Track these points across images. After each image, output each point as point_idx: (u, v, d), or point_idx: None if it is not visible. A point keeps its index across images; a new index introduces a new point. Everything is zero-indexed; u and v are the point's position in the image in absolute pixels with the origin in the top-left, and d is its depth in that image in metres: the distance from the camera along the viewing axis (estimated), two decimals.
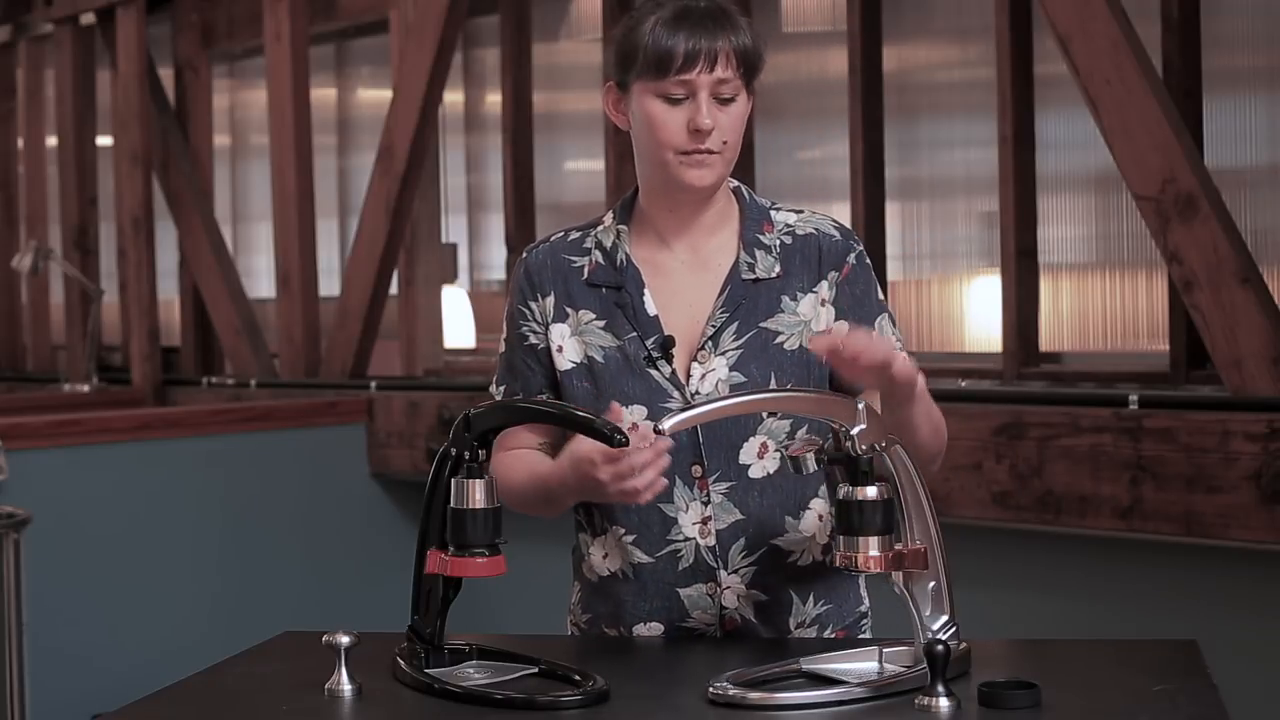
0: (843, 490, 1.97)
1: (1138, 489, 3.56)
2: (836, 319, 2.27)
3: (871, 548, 1.96)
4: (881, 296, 2.32)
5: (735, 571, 2.26)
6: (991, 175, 4.13)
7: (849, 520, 1.97)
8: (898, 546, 1.98)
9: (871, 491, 1.96)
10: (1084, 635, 3.23)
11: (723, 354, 2.25)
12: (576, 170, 5.35)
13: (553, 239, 2.36)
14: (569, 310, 2.30)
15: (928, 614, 2.01)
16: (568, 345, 2.30)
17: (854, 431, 1.97)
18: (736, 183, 2.34)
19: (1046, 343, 4.12)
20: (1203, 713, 1.86)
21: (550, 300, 2.31)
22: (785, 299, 2.26)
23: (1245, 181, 3.79)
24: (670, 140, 2.20)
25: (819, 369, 2.26)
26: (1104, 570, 3.81)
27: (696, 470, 2.24)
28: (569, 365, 2.29)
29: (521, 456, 2.29)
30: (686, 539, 2.25)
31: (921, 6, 4.41)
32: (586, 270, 2.31)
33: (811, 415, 2.20)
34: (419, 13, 5.11)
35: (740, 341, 2.25)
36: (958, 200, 4.38)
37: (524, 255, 2.37)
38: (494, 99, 5.42)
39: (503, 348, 2.37)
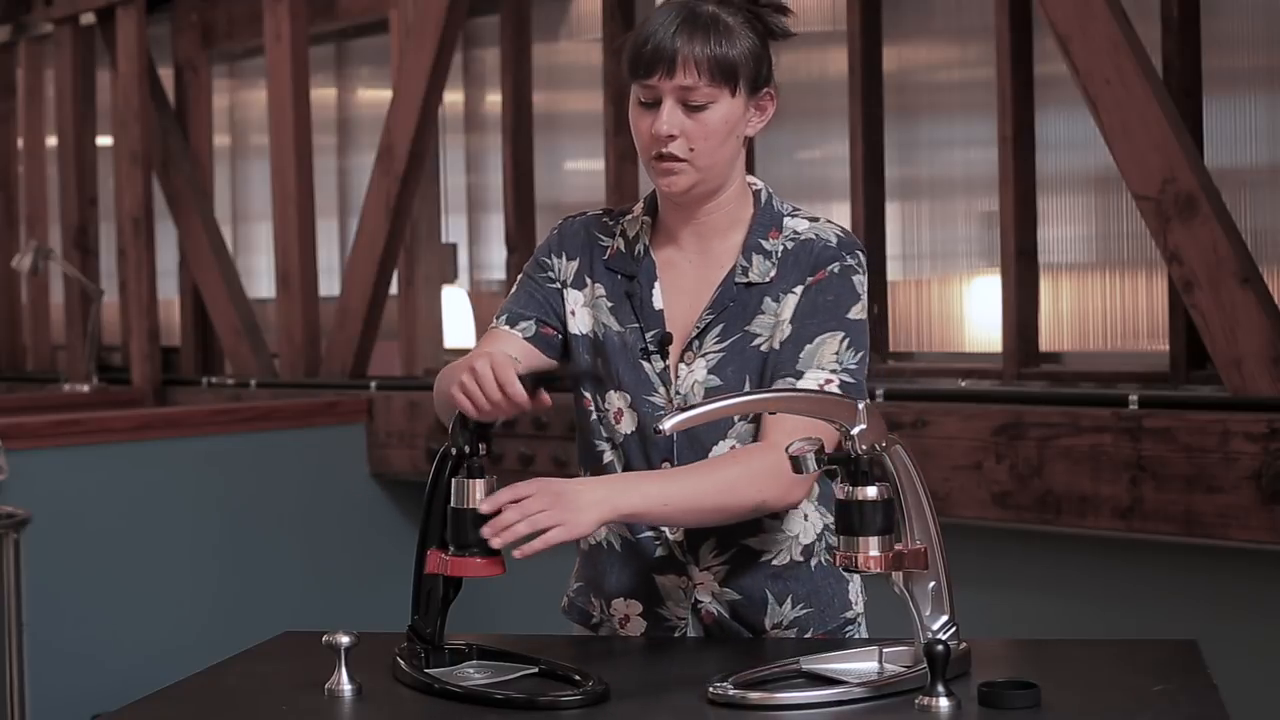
0: (843, 490, 1.97)
1: (1138, 489, 3.56)
2: (791, 321, 2.24)
3: (871, 548, 1.96)
4: (857, 316, 2.24)
5: (708, 569, 2.28)
6: (991, 175, 4.13)
7: (849, 520, 1.96)
8: (898, 546, 1.98)
9: (871, 491, 1.96)
10: (1084, 635, 3.23)
11: (704, 356, 2.26)
12: (576, 170, 5.35)
13: (590, 214, 2.40)
14: (588, 280, 2.33)
15: (928, 614, 2.01)
16: (580, 313, 2.33)
17: (854, 431, 1.97)
18: (760, 185, 2.33)
19: (1046, 343, 4.12)
20: (1203, 713, 1.86)
21: (574, 266, 2.34)
22: (768, 300, 2.26)
23: (1245, 181, 3.79)
24: (641, 144, 2.24)
25: (769, 359, 2.24)
26: (1104, 570, 3.81)
27: (666, 467, 2.26)
28: (578, 332, 2.33)
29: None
30: (659, 531, 2.27)
31: (921, 6, 4.40)
32: (608, 253, 2.34)
33: (812, 415, 2.20)
34: (419, 13, 5.11)
35: (723, 345, 2.26)
36: (958, 200, 4.38)
37: (562, 221, 2.40)
38: (494, 99, 5.42)
39: (515, 288, 2.38)
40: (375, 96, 5.90)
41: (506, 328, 2.33)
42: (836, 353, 2.22)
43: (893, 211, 4.42)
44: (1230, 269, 3.49)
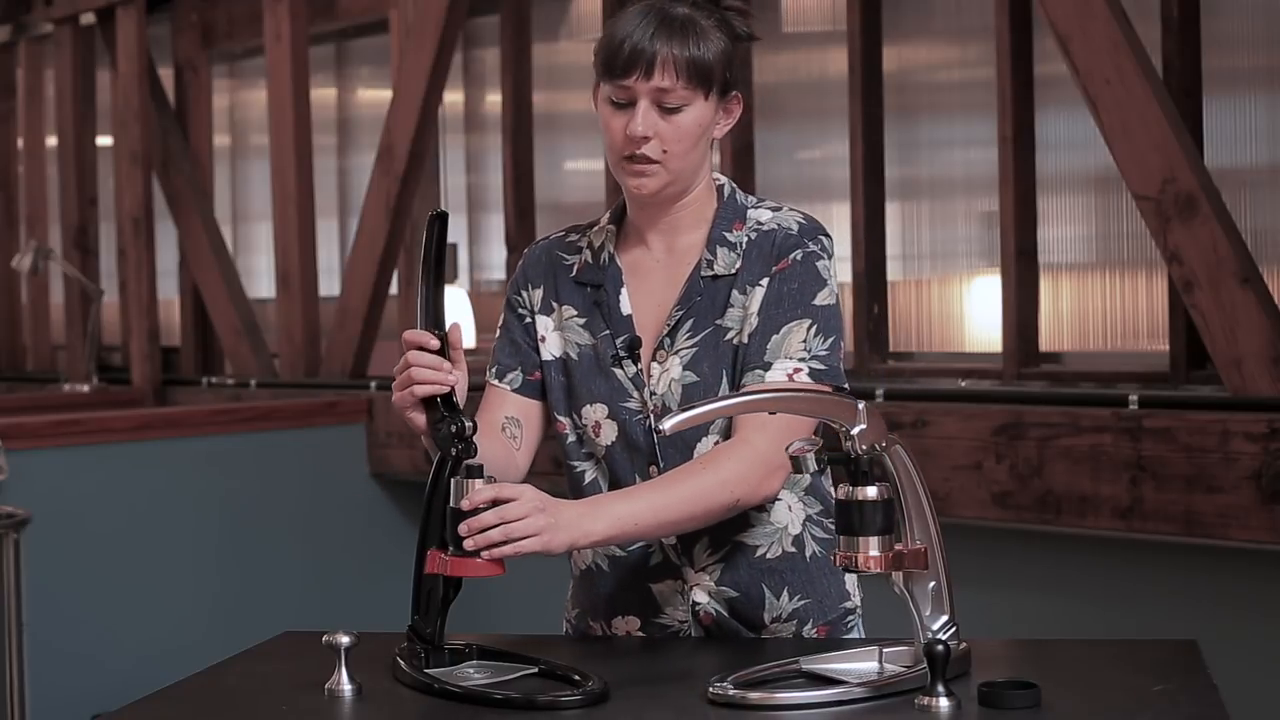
0: (843, 490, 1.97)
1: (1138, 489, 3.56)
2: (758, 313, 2.23)
3: (871, 548, 1.96)
4: (824, 301, 2.24)
5: (703, 569, 2.28)
6: (991, 175, 4.13)
7: (849, 520, 1.96)
8: (898, 546, 1.98)
9: (871, 491, 1.96)
10: (1084, 635, 3.23)
11: (677, 353, 2.26)
12: (576, 170, 5.35)
13: (553, 237, 2.41)
14: (554, 305, 2.35)
15: (928, 614, 2.01)
16: (550, 338, 2.35)
17: (854, 431, 1.97)
18: (723, 180, 2.34)
19: (1046, 343, 4.12)
20: (1203, 713, 1.86)
21: (539, 293, 2.36)
22: (735, 293, 2.26)
23: (1245, 181, 3.79)
24: (612, 144, 2.23)
25: (740, 352, 2.24)
26: (1104, 570, 3.81)
27: (653, 471, 2.26)
28: (549, 357, 2.34)
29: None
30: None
31: (921, 6, 4.40)
32: (575, 269, 2.34)
33: (811, 415, 2.20)
34: (419, 13, 5.11)
35: (695, 340, 2.26)
36: (958, 200, 4.38)
37: (526, 249, 2.42)
38: (494, 99, 5.42)
39: (499, 332, 2.41)
40: (375, 96, 5.90)
41: (496, 382, 2.37)
42: (804, 341, 2.21)
43: (893, 211, 4.42)
44: (1230, 269, 3.49)
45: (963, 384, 4.15)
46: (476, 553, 2.04)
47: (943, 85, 4.46)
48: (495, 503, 2.04)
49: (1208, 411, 3.50)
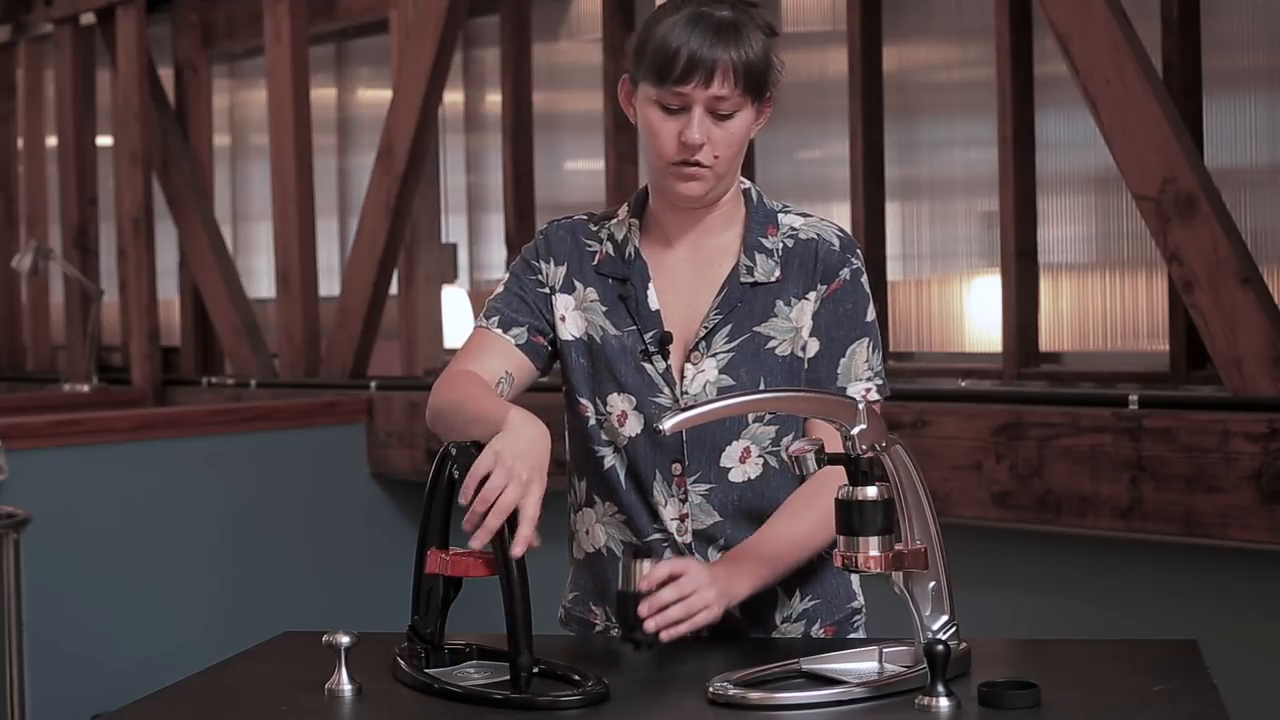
0: (843, 490, 1.97)
1: (1138, 489, 3.56)
2: (811, 334, 2.27)
3: (871, 548, 1.96)
4: (872, 316, 2.30)
5: None
6: (991, 175, 4.14)
7: (849, 520, 1.96)
8: (898, 546, 1.98)
9: (871, 491, 1.96)
10: (1084, 635, 3.23)
11: (714, 356, 2.26)
12: (576, 170, 5.35)
13: (575, 219, 2.38)
14: (577, 284, 2.33)
15: (928, 614, 2.01)
16: (571, 317, 2.32)
17: (854, 431, 1.97)
18: (748, 184, 2.34)
19: (1046, 343, 4.12)
20: (1203, 713, 1.86)
21: (562, 270, 2.33)
22: (779, 304, 2.27)
23: (1245, 181, 3.79)
24: (662, 149, 2.21)
25: (805, 375, 2.27)
26: (1104, 570, 3.81)
27: (676, 468, 2.26)
28: (570, 337, 2.32)
29: (475, 378, 2.25)
30: (667, 532, 2.27)
31: (921, 6, 4.41)
32: (597, 258, 2.33)
33: (812, 415, 2.21)
34: (419, 13, 5.11)
35: (733, 345, 2.26)
36: (958, 200, 4.38)
37: (546, 226, 2.39)
38: (494, 99, 5.42)
39: (502, 289, 2.35)
40: (375, 96, 5.91)
41: (499, 331, 2.31)
42: (867, 360, 2.28)
43: (893, 211, 4.42)
44: (1230, 269, 3.49)
45: (963, 384, 4.15)
46: (478, 553, 2.04)
47: (943, 85, 4.47)
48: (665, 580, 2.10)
49: (1208, 411, 3.50)
